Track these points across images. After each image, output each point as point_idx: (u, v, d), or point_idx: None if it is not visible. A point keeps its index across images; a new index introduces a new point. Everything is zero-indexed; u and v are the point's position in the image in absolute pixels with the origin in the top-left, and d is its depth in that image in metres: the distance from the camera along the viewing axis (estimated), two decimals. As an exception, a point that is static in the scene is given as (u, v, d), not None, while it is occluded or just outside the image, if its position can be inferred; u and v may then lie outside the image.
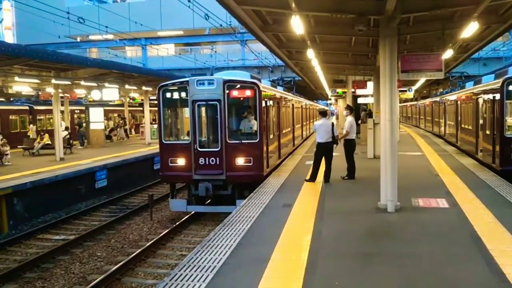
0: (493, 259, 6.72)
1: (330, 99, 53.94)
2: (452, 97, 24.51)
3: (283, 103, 19.46)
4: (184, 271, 6.59)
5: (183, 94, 13.86)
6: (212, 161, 13.45)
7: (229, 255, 7.20)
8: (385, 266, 6.66)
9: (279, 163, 17.24)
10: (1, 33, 67.38)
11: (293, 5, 9.84)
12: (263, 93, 13.96)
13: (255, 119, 13.76)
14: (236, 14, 12.07)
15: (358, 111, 28.76)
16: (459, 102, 21.84)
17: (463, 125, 20.84)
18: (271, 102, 15.82)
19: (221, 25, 25.92)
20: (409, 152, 20.03)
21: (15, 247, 12.92)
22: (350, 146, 13.66)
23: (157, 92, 14.12)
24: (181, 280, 6.25)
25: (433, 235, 8.16)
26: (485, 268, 6.42)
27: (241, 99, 14.08)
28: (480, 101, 17.00)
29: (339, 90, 35.03)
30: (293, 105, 23.38)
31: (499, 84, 14.17)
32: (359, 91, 24.86)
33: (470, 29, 11.83)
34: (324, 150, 13.12)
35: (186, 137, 14.20)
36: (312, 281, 6.10)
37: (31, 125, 29.78)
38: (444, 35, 12.70)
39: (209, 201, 14.84)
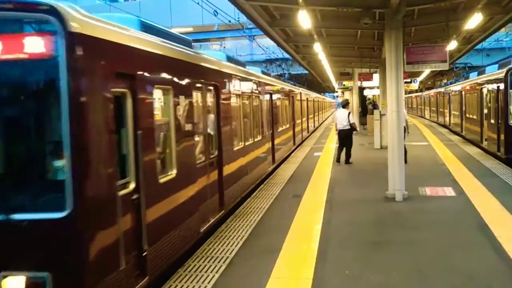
0: (501, 246, 6.78)
1: (337, 92, 53.94)
2: (456, 87, 24.57)
3: (252, 93, 12.01)
4: (198, 262, 6.59)
5: None
6: None
7: (241, 246, 7.25)
8: (394, 254, 6.76)
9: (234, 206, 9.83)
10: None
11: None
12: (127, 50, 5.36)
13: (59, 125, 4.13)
14: (244, 10, 12.16)
15: (364, 103, 28.93)
16: (463, 92, 21.92)
17: (467, 115, 20.93)
18: (197, 87, 7.61)
19: (229, 21, 25.91)
20: (415, 142, 20.05)
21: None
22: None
23: None
24: (194, 271, 6.26)
25: (441, 223, 8.26)
26: (493, 255, 6.49)
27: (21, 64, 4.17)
28: (484, 91, 17.10)
29: (346, 83, 35.08)
30: (274, 98, 15.30)
31: (503, 74, 14.32)
32: (365, 83, 25.07)
33: (474, 21, 11.89)
34: (342, 136, 14.87)
35: None
36: (323, 270, 6.16)
37: None
38: (448, 27, 12.78)
39: None
